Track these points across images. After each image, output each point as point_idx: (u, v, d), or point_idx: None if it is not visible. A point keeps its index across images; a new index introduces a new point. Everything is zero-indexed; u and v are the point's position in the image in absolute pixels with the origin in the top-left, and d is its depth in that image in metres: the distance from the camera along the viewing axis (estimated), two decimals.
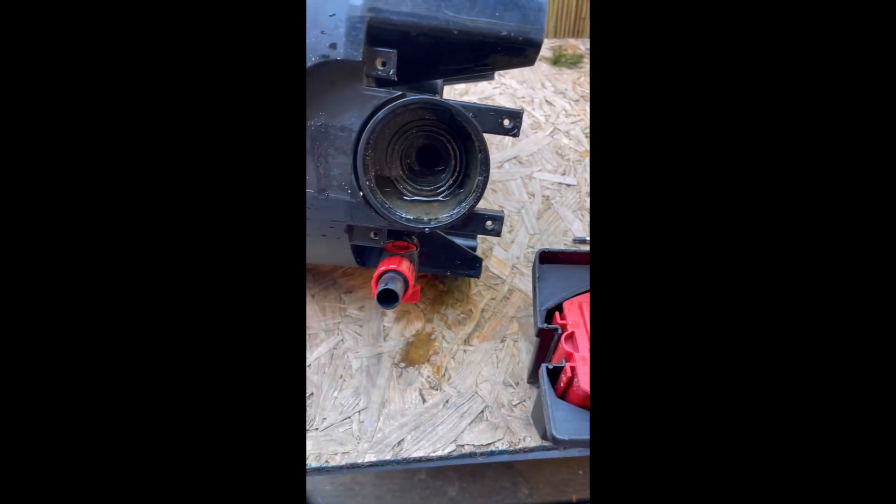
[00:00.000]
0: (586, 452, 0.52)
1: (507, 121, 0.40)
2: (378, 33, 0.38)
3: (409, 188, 0.45)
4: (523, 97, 0.90)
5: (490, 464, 1.14)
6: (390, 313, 0.61)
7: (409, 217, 0.43)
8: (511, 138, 0.82)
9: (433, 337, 0.59)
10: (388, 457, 0.50)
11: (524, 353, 0.57)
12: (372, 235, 0.46)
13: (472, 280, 0.64)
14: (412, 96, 0.38)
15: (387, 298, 0.44)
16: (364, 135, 0.39)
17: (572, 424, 0.40)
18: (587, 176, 0.77)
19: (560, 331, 0.44)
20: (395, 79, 0.39)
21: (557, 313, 0.46)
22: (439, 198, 0.45)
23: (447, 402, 0.54)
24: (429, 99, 0.39)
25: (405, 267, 0.47)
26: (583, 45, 1.02)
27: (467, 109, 0.40)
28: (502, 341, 0.58)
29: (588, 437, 0.39)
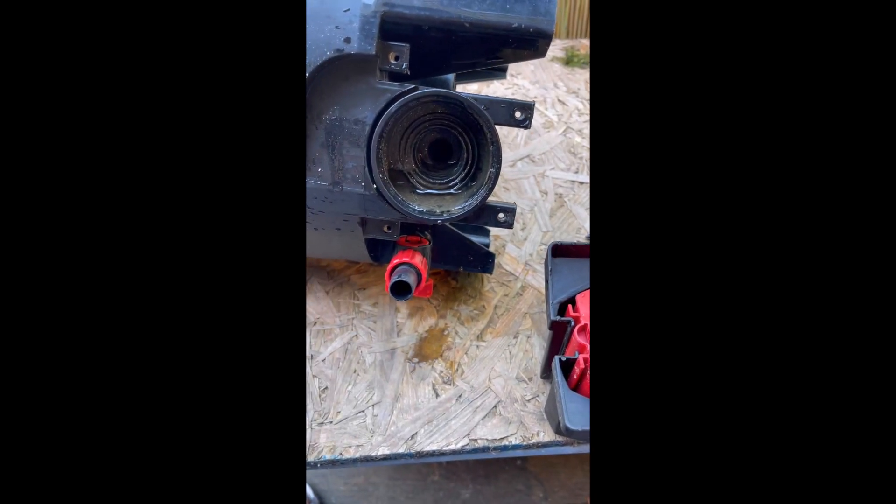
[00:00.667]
0: None
1: (519, 113, 0.41)
2: (391, 28, 0.39)
3: (422, 181, 0.45)
4: (536, 97, 0.90)
5: (504, 466, 1.13)
6: (403, 309, 0.61)
7: (421, 209, 0.43)
8: (524, 137, 0.83)
9: (446, 332, 0.59)
10: (402, 450, 0.50)
11: (537, 348, 0.57)
12: (385, 229, 0.47)
13: (485, 277, 0.64)
14: (424, 89, 0.39)
15: (400, 290, 0.44)
16: (377, 128, 0.40)
17: (586, 416, 0.40)
18: None
19: (573, 323, 0.44)
20: (408, 73, 0.40)
21: (570, 306, 0.46)
22: (451, 191, 0.45)
23: (460, 396, 0.54)
24: (441, 92, 0.39)
25: (418, 260, 0.47)
26: None
27: (479, 102, 0.40)
28: (515, 337, 0.58)
29: None
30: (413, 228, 0.50)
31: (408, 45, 0.39)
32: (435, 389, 0.54)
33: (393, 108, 0.39)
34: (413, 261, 0.46)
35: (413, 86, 0.39)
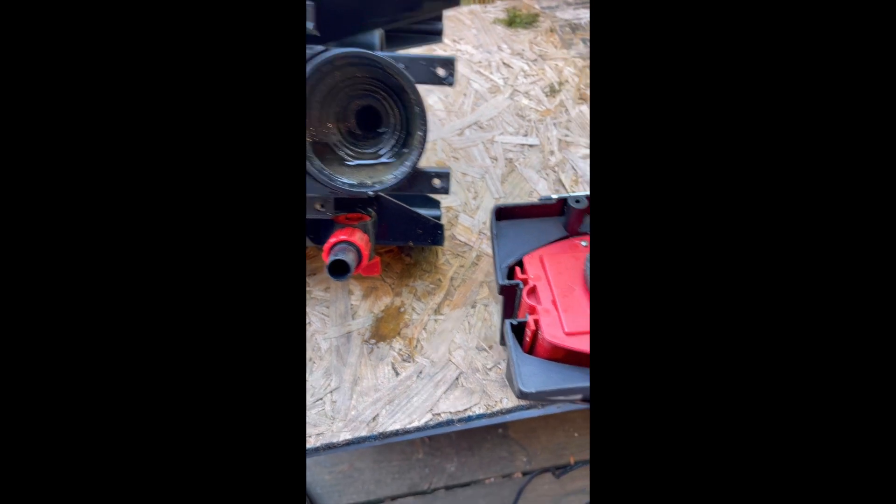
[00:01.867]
0: (558, 409, 0.51)
1: (441, 69, 0.38)
2: None
3: (351, 153, 0.43)
4: (480, 62, 0.87)
5: (486, 436, 1.13)
6: (357, 291, 0.59)
7: (351, 182, 0.41)
8: (471, 104, 0.80)
9: (403, 310, 0.57)
10: (364, 433, 0.49)
11: (496, 316, 0.56)
12: (318, 206, 0.44)
13: (440, 249, 0.63)
14: (336, 50, 0.36)
15: (338, 270, 0.42)
16: None
17: (539, 377, 0.39)
18: (549, 135, 0.75)
19: (522, 285, 0.43)
20: (318, 33, 0.37)
21: (518, 268, 0.45)
22: (383, 160, 0.43)
23: (420, 373, 0.52)
24: (353, 52, 0.36)
25: (357, 238, 0.45)
26: (537, 4, 0.99)
27: (397, 61, 0.37)
28: (473, 307, 0.57)
29: (555, 387, 0.38)
30: (351, 204, 0.48)
31: (313, 2, 0.36)
32: (395, 368, 0.53)
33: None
34: (352, 238, 0.44)
35: (323, 48, 0.36)
